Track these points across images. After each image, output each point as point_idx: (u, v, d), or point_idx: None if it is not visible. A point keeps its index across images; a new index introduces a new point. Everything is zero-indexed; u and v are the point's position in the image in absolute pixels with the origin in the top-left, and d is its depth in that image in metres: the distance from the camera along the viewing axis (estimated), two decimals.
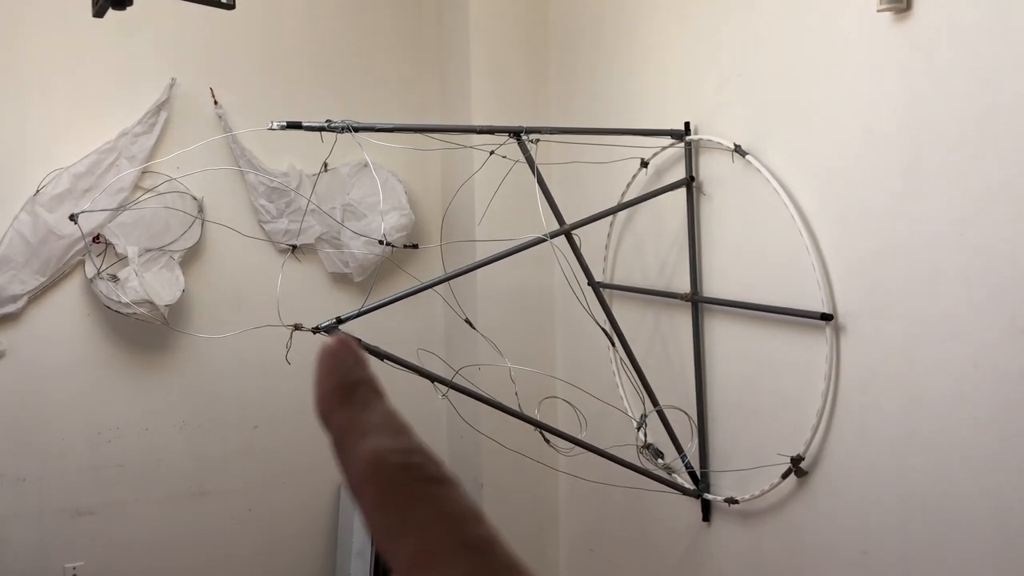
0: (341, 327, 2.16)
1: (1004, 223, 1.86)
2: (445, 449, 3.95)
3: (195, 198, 3.43)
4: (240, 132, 3.43)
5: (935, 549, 2.06)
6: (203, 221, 3.45)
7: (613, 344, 2.79)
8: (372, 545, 3.64)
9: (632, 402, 3.01)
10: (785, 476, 2.43)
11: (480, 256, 2.70)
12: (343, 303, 3.46)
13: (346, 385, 0.38)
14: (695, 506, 2.84)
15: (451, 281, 2.54)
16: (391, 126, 2.46)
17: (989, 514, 1.93)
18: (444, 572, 0.32)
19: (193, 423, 3.56)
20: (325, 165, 3.50)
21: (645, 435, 2.72)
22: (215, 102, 3.48)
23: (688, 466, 2.75)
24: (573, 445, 2.53)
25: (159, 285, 3.27)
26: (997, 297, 1.88)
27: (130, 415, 3.47)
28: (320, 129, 2.25)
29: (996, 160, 1.87)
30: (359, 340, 2.21)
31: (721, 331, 2.73)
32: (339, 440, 0.37)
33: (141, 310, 3.20)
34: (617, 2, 3.17)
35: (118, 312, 3.24)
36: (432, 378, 2.34)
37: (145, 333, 3.41)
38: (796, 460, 2.39)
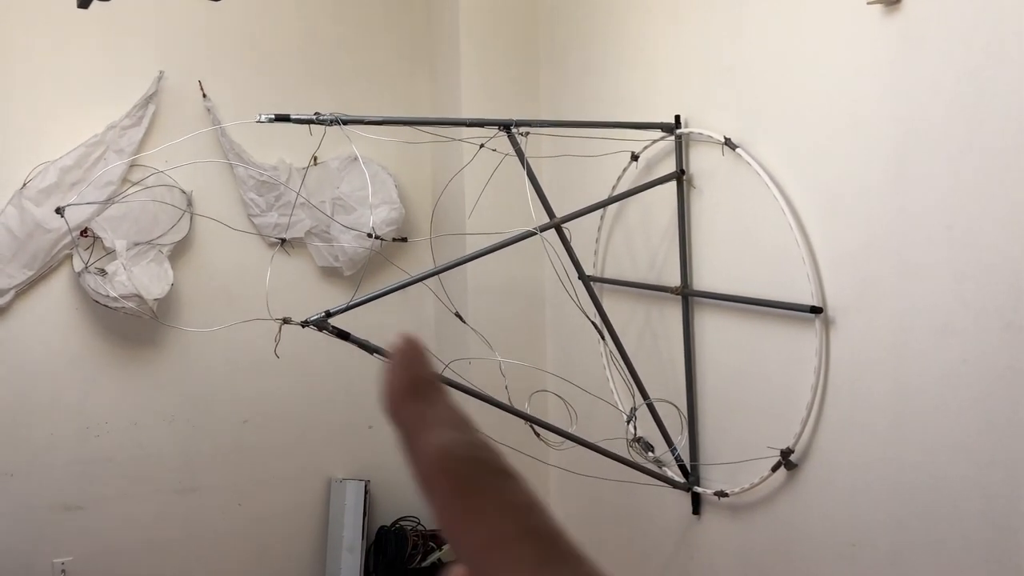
0: (330, 320, 2.15)
1: (993, 216, 1.86)
2: None
3: (184, 191, 3.41)
4: (229, 125, 3.41)
5: (924, 541, 2.06)
6: (192, 215, 3.43)
7: (603, 338, 2.78)
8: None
9: (622, 396, 3.01)
10: (775, 469, 2.43)
11: (470, 250, 2.69)
12: (332, 297, 3.45)
13: (414, 382, 0.40)
14: (685, 499, 2.84)
15: (441, 275, 2.53)
16: (380, 119, 2.45)
17: (977, 507, 1.94)
18: (512, 558, 0.33)
19: (182, 418, 3.54)
20: (314, 159, 3.49)
21: (635, 428, 2.72)
22: (204, 95, 3.46)
23: (678, 459, 2.75)
24: (563, 439, 2.53)
25: (148, 279, 3.25)
26: (985, 290, 1.88)
27: (119, 410, 3.45)
28: (308, 122, 2.23)
29: (985, 153, 1.87)
30: (347, 334, 2.20)
31: (711, 324, 2.73)
32: (407, 434, 0.38)
33: (129, 304, 3.19)
34: None
35: (106, 306, 3.23)
36: None
37: (133, 327, 3.40)
38: (786, 453, 2.39)
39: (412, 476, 0.37)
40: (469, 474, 0.36)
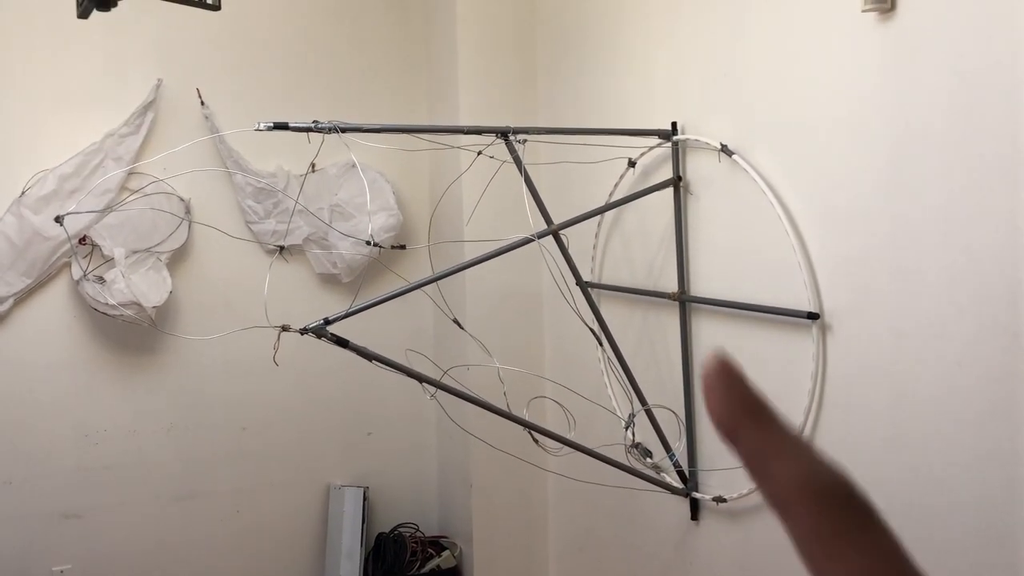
0: (328, 328, 2.15)
1: (987, 222, 1.87)
2: (434, 450, 3.95)
3: (182, 199, 3.42)
4: (227, 133, 3.42)
5: (919, 547, 2.06)
6: (190, 222, 3.44)
7: (601, 344, 2.79)
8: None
9: (620, 402, 3.01)
10: None
11: (468, 256, 2.70)
12: (331, 304, 3.45)
13: (751, 404, 0.39)
14: (684, 505, 2.85)
15: (439, 282, 2.54)
16: (378, 127, 2.46)
17: (974, 512, 1.94)
18: None
19: (181, 425, 3.55)
20: (312, 166, 3.50)
21: (633, 434, 2.72)
22: (202, 103, 3.47)
23: (676, 465, 2.76)
24: (562, 445, 2.53)
25: (146, 287, 3.25)
26: (981, 296, 1.89)
27: (117, 417, 3.45)
28: (307, 130, 2.24)
29: (979, 160, 1.88)
30: (347, 344, 2.21)
31: (708, 330, 2.74)
32: (755, 459, 0.38)
33: (128, 312, 3.19)
34: (604, 3, 3.17)
35: (105, 314, 3.23)
36: (421, 379, 2.34)
37: (132, 335, 3.40)
38: None
39: (766, 501, 0.37)
40: (832, 506, 0.36)
